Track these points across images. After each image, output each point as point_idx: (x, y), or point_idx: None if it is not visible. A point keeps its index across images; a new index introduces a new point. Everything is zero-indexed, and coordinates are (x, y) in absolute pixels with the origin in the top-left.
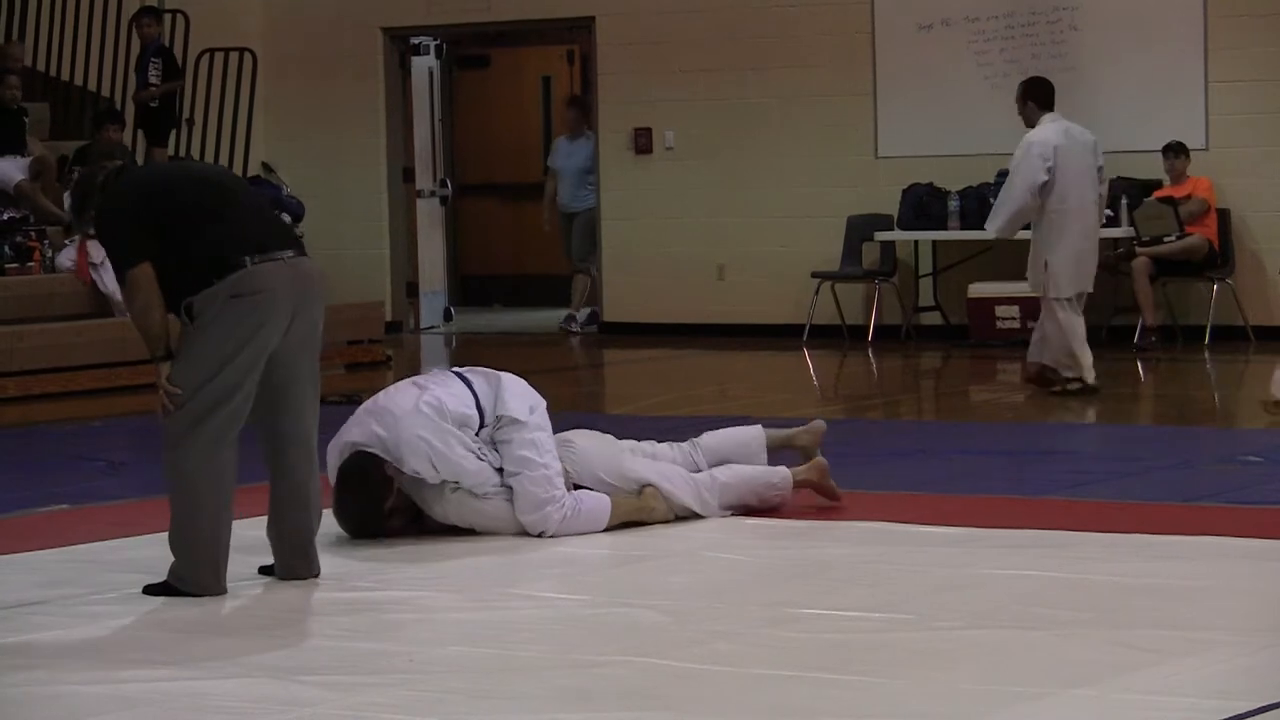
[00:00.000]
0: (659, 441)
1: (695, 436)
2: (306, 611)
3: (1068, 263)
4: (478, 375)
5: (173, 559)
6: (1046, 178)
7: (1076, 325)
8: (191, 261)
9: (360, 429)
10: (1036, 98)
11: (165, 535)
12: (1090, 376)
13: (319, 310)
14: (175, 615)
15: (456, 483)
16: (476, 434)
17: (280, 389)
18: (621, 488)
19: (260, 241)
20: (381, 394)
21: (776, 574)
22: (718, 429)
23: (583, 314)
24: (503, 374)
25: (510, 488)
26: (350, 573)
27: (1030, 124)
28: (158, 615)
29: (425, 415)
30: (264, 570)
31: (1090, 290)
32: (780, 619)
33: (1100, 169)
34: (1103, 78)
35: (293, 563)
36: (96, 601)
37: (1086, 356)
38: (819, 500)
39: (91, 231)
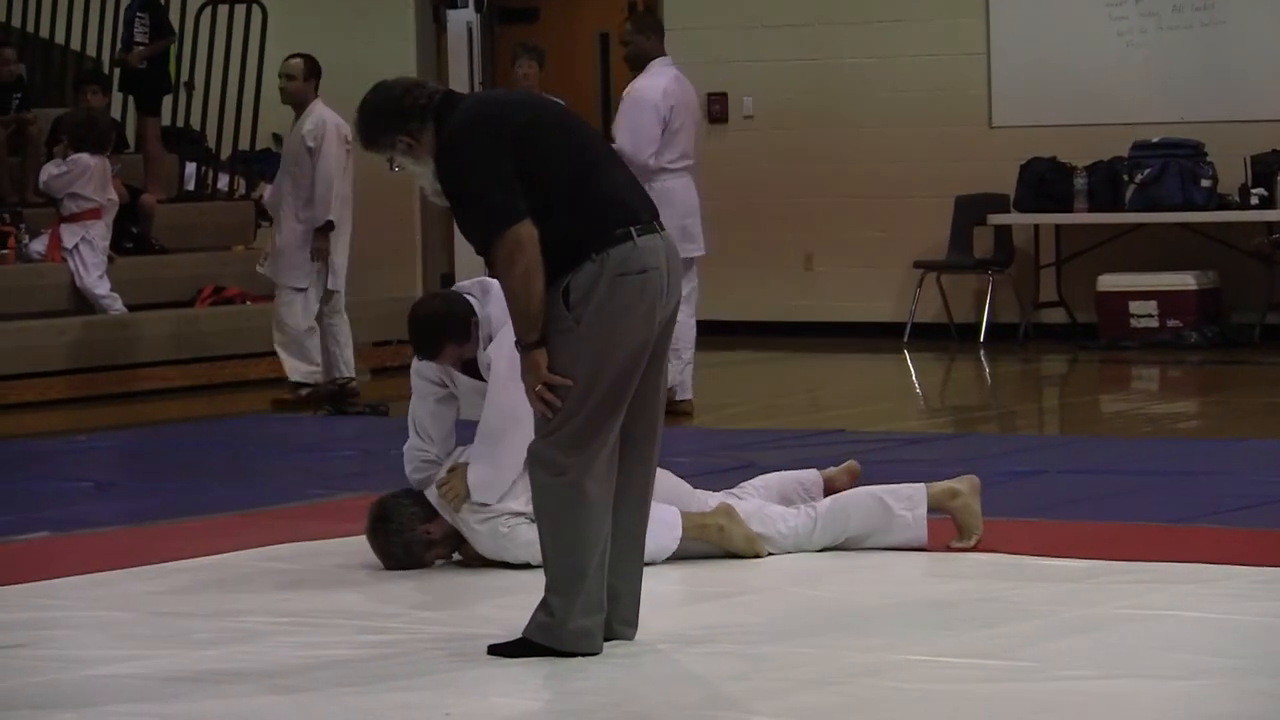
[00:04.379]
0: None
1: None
2: (325, 659)
3: (345, 258)
4: None
5: (545, 607)
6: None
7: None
8: (567, 229)
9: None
10: (318, 74)
11: (149, 569)
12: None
13: (680, 295)
14: (169, 664)
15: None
16: None
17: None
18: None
19: (636, 208)
20: None
21: (875, 614)
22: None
23: None
24: None
25: None
26: (381, 611)
27: (304, 105)
28: (149, 663)
29: None
30: None
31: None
32: (879, 666)
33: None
34: (1255, 32)
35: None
36: (85, 645)
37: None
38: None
39: (398, 156)
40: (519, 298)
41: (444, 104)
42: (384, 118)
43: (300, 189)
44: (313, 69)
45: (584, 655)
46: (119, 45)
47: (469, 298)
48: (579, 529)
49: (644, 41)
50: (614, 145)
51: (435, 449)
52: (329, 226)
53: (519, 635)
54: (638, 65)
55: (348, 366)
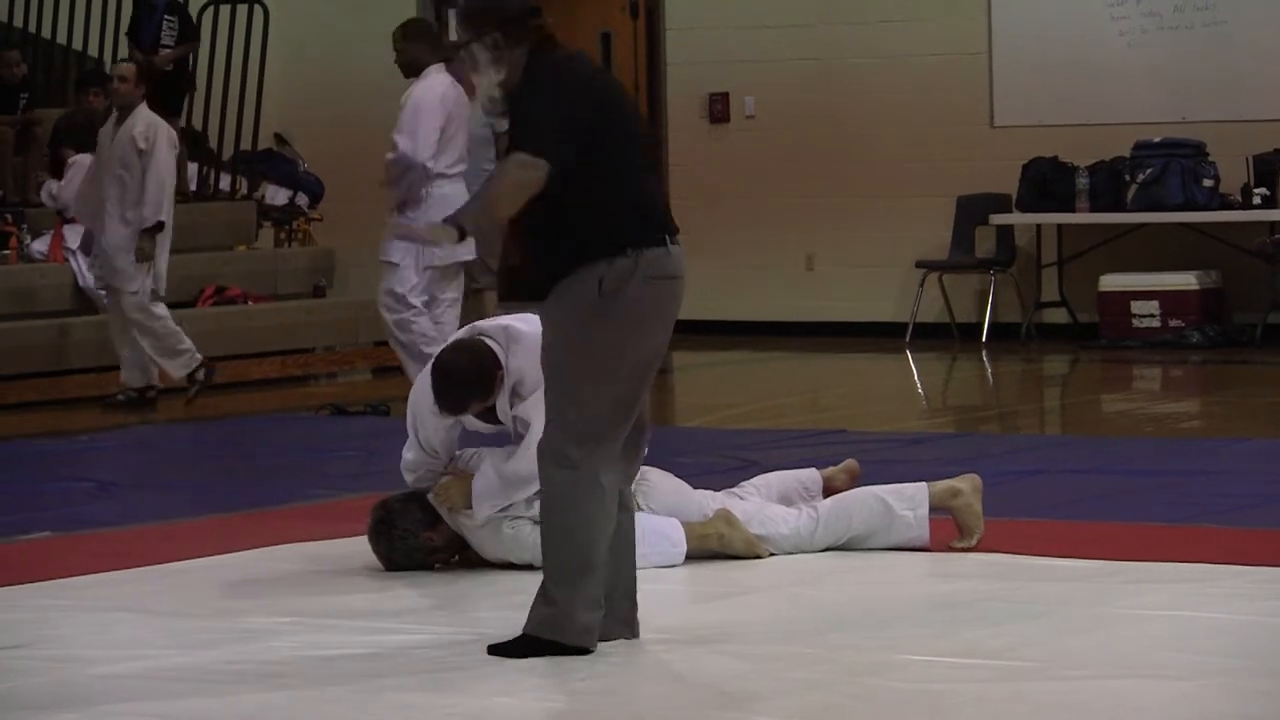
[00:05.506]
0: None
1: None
2: (326, 659)
3: (166, 261)
4: None
5: (546, 600)
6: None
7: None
8: (612, 213)
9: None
10: (147, 79)
11: (151, 569)
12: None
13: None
14: (171, 664)
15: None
16: None
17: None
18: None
19: (669, 220)
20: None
21: (877, 614)
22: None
23: None
24: None
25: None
26: (382, 611)
27: (131, 107)
28: (151, 663)
29: None
30: None
31: None
32: (882, 666)
33: None
34: (1257, 32)
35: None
36: (86, 645)
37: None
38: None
39: (477, 48)
40: (494, 202)
41: (544, 41)
42: (490, 8)
43: (129, 191)
44: (143, 74)
45: (585, 650)
46: (136, 47)
47: (494, 346)
48: (589, 523)
49: (414, 49)
50: (394, 150)
51: (443, 462)
52: (158, 227)
53: (519, 634)
54: (412, 73)
55: (148, 373)
